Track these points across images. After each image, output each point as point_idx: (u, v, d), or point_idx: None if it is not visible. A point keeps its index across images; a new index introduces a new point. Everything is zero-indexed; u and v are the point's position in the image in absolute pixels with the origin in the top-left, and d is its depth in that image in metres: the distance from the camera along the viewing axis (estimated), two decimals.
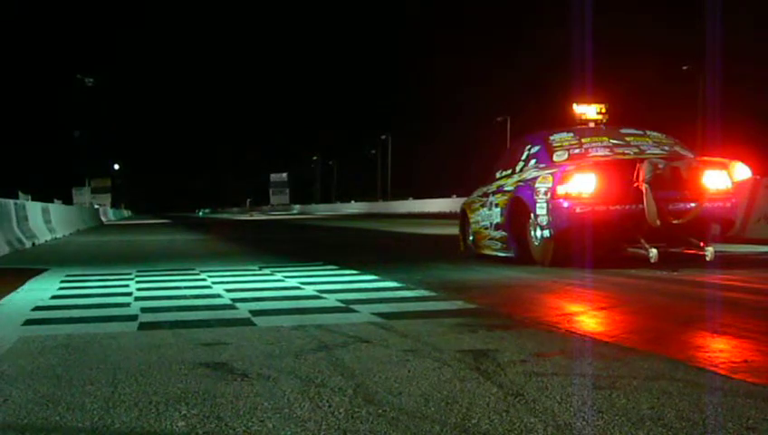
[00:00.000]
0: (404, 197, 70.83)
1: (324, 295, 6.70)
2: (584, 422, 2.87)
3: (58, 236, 20.57)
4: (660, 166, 8.52)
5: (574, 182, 8.59)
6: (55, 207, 23.28)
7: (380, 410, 3.06)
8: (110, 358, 4.19)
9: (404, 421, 2.92)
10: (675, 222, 8.55)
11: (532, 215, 8.99)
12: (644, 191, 8.41)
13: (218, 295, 6.89)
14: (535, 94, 75.58)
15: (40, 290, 7.59)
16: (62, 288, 7.80)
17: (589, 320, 5.38)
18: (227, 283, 7.92)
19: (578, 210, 8.53)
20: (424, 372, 3.70)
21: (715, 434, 2.75)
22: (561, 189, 8.62)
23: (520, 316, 5.40)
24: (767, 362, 3.88)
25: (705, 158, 9.43)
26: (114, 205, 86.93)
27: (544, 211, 8.74)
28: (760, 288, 6.99)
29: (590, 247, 8.60)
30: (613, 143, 9.50)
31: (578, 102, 11.45)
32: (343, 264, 9.94)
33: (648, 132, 9.99)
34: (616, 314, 5.56)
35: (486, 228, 10.23)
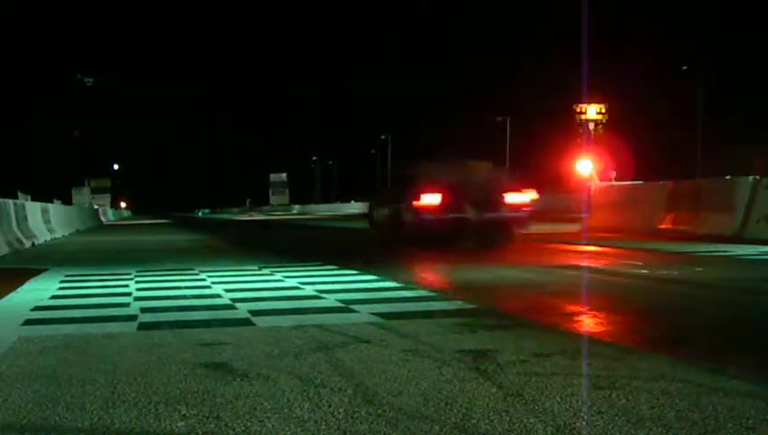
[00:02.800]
0: None
1: (324, 295, 6.70)
2: (584, 422, 2.87)
3: (57, 236, 20.56)
4: (481, 188, 13.05)
5: (427, 198, 12.91)
6: (55, 208, 23.27)
7: (380, 411, 3.06)
8: (110, 358, 4.19)
9: (403, 421, 2.92)
10: (488, 224, 12.70)
11: (404, 216, 13.45)
12: (468, 205, 12.70)
13: (218, 295, 6.89)
14: (536, 94, 75.57)
15: (39, 290, 7.59)
16: (61, 288, 7.80)
17: (588, 320, 5.38)
18: (227, 283, 7.92)
19: (427, 216, 12.80)
20: (424, 372, 3.70)
21: (715, 434, 2.75)
22: (419, 202, 12.94)
23: (520, 316, 5.40)
24: None
25: (511, 182, 13.85)
26: (114, 205, 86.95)
27: (410, 216, 13.15)
28: (763, 289, 6.99)
29: (434, 234, 12.78)
30: (458, 172, 13.92)
31: (578, 102, 11.70)
32: (343, 264, 9.94)
33: (482, 163, 14.85)
34: (616, 314, 5.56)
35: (384, 217, 15.04)
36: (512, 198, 13.01)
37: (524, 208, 13.11)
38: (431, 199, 12.81)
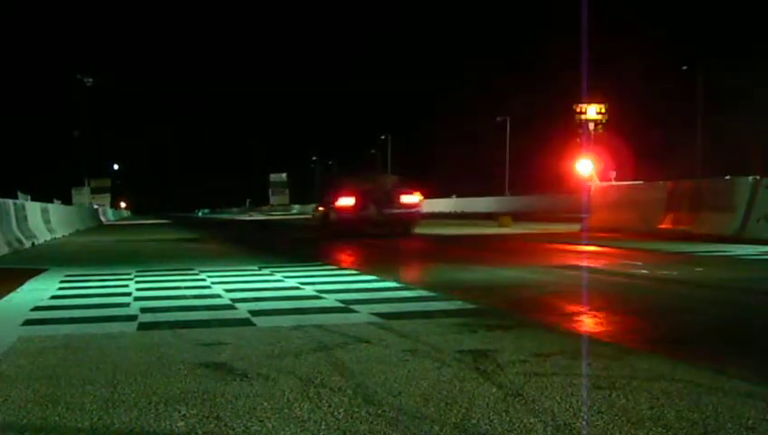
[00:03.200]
0: None
1: (324, 295, 6.70)
2: (584, 422, 2.87)
3: (57, 236, 20.56)
4: (383, 192, 18.07)
5: (342, 200, 17.91)
6: (55, 208, 23.26)
7: (380, 411, 3.06)
8: (110, 358, 4.19)
9: (403, 421, 2.92)
10: (387, 218, 17.67)
11: (330, 215, 18.31)
12: (372, 205, 17.73)
13: (218, 295, 6.89)
14: (536, 94, 75.53)
15: (39, 290, 7.59)
16: (61, 288, 7.80)
17: (589, 320, 5.38)
18: (227, 283, 7.92)
19: (343, 214, 17.83)
20: (423, 372, 3.70)
21: (714, 434, 2.75)
22: (337, 204, 17.98)
23: (520, 316, 5.40)
24: None
25: (405, 188, 18.56)
26: (113, 205, 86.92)
27: (333, 214, 18.12)
28: (763, 289, 6.99)
29: (350, 228, 17.56)
30: (371, 181, 19.31)
31: (578, 102, 11.66)
32: (342, 264, 9.94)
33: (388, 175, 20.59)
34: (615, 314, 5.56)
35: (318, 217, 20.20)
36: (405, 199, 18.10)
37: (415, 207, 18.40)
38: (346, 202, 17.91)
